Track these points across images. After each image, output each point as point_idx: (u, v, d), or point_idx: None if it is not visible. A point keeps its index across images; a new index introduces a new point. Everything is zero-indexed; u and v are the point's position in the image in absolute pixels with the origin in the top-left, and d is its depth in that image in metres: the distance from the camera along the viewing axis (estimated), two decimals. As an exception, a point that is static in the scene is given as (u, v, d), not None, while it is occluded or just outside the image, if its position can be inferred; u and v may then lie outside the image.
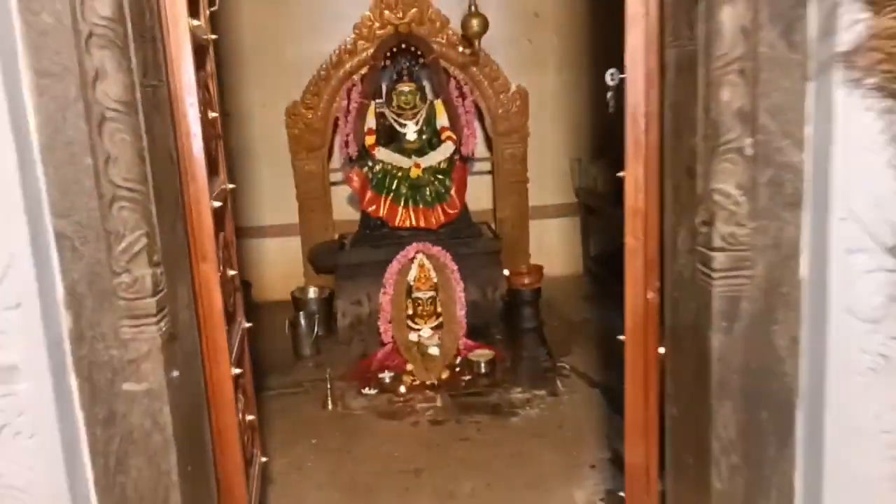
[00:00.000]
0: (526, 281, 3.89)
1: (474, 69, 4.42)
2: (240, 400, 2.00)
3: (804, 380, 1.59)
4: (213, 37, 2.06)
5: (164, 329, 1.54)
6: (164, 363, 1.54)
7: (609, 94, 2.03)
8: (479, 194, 4.70)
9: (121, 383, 1.52)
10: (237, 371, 1.94)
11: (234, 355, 1.92)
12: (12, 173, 1.36)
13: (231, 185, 2.17)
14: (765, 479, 1.65)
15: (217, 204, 1.88)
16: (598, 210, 4.61)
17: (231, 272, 2.09)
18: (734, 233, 1.54)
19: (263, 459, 2.37)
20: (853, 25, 1.36)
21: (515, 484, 2.71)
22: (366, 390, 3.52)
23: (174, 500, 1.59)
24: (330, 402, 3.43)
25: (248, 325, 2.21)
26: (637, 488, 2.05)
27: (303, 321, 3.97)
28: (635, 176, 1.87)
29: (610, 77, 2.00)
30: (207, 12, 1.98)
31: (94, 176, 1.44)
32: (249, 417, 2.17)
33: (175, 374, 1.58)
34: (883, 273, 1.46)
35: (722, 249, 1.56)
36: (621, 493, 2.13)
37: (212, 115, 2.02)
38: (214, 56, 2.07)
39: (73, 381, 1.50)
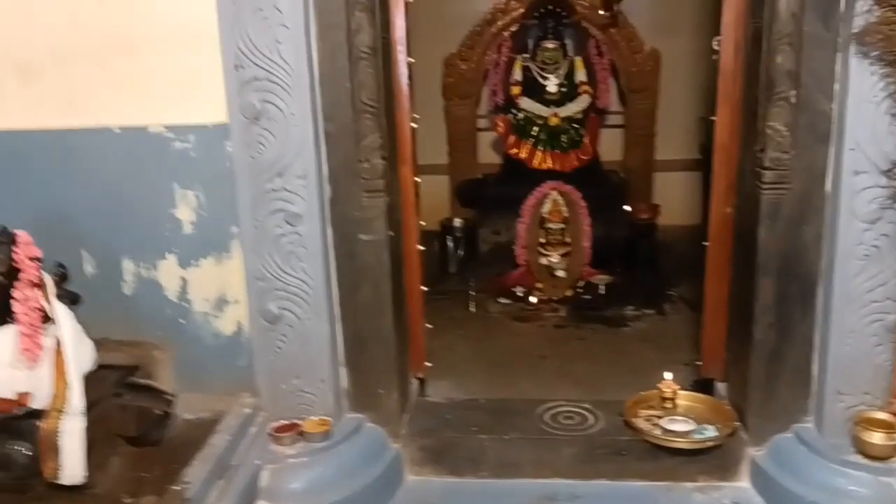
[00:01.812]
0: (644, 216, 4.67)
1: (612, 30, 5.16)
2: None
3: (823, 263, 2.35)
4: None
5: (386, 201, 2.47)
6: (385, 224, 2.48)
7: (714, 57, 2.78)
8: (610, 145, 5.44)
9: (358, 233, 2.47)
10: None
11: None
12: (306, 92, 2.31)
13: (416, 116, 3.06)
14: (791, 333, 2.44)
15: (414, 125, 2.79)
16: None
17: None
18: (779, 157, 2.31)
19: (428, 326, 3.28)
20: (864, 13, 2.10)
21: (620, 370, 3.51)
22: (501, 300, 4.42)
23: (387, 314, 2.55)
24: (473, 306, 4.35)
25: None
26: (709, 355, 2.86)
27: (450, 244, 4.90)
28: (722, 119, 2.65)
29: (716, 43, 2.75)
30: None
31: (350, 95, 2.37)
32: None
33: (391, 232, 2.51)
34: (878, 188, 2.20)
35: (770, 168, 2.33)
36: (698, 363, 2.94)
37: (409, 60, 2.91)
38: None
39: (329, 230, 2.45)
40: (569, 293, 4.44)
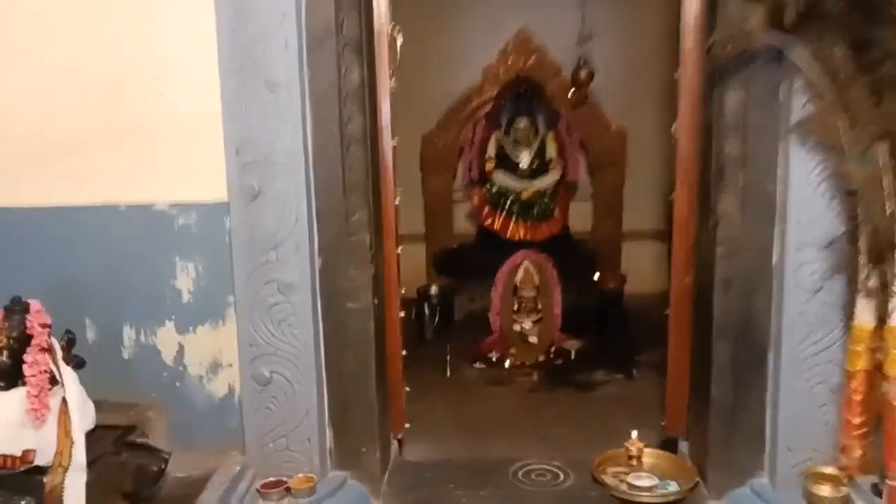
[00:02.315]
0: (611, 285, 4.92)
1: (581, 110, 5.50)
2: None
3: (773, 330, 2.58)
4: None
5: (373, 271, 2.69)
6: (371, 293, 2.69)
7: (672, 142, 3.05)
8: (580, 216, 5.73)
9: (346, 302, 2.68)
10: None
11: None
12: (301, 174, 2.53)
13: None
14: (746, 395, 2.65)
15: (397, 202, 3.02)
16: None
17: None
18: (730, 234, 2.57)
19: (407, 389, 3.46)
20: (801, 107, 2.38)
21: (590, 432, 3.67)
22: (476, 364, 4.61)
23: (370, 378, 2.74)
24: (449, 371, 4.53)
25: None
26: (672, 415, 3.07)
27: (426, 311, 5.11)
28: (681, 198, 2.91)
29: (673, 129, 3.02)
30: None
31: (342, 177, 2.60)
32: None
33: (376, 301, 2.72)
34: (819, 262, 2.45)
35: (723, 244, 2.58)
36: (663, 423, 3.15)
37: (393, 143, 3.15)
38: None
39: (319, 299, 2.66)
40: (541, 358, 4.64)
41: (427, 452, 3.34)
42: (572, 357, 4.62)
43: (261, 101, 2.47)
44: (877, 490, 2.41)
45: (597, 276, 5.01)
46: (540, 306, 4.78)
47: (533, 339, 4.72)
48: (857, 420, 2.47)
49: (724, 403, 2.70)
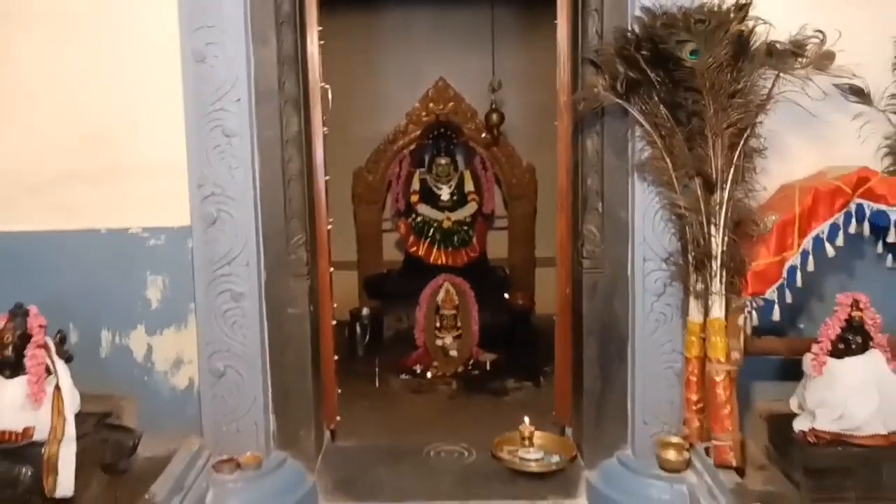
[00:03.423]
0: (520, 302, 5.65)
1: (494, 148, 6.25)
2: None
3: (630, 327, 3.31)
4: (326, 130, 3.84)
5: (309, 283, 3.34)
6: (307, 301, 3.34)
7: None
8: (496, 244, 6.44)
9: (286, 308, 3.32)
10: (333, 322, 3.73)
11: (331, 314, 3.72)
12: (250, 204, 3.18)
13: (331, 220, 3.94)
14: (611, 382, 3.37)
15: (329, 227, 3.69)
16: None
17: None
18: (593, 250, 3.30)
19: (339, 391, 4.08)
20: (639, 151, 3.13)
21: (499, 428, 4.32)
22: (402, 376, 5.25)
23: (307, 373, 3.38)
24: (377, 382, 5.16)
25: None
26: (560, 405, 3.77)
27: (358, 330, 5.75)
28: (560, 224, 3.64)
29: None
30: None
31: (283, 206, 3.26)
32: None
33: (311, 308, 3.37)
34: (661, 271, 3.19)
35: (587, 258, 3.31)
36: (553, 412, 3.85)
37: (326, 178, 3.81)
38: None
39: (264, 305, 3.29)
40: (460, 369, 5.29)
41: (355, 441, 3.96)
42: (488, 368, 5.29)
43: (218, 146, 3.12)
44: (709, 452, 3.12)
45: (506, 295, 5.71)
46: (459, 324, 5.41)
47: (453, 353, 5.37)
48: (694, 397, 3.17)
49: (594, 390, 3.41)
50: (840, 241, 2.93)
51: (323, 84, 3.55)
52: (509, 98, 6.08)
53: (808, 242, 2.91)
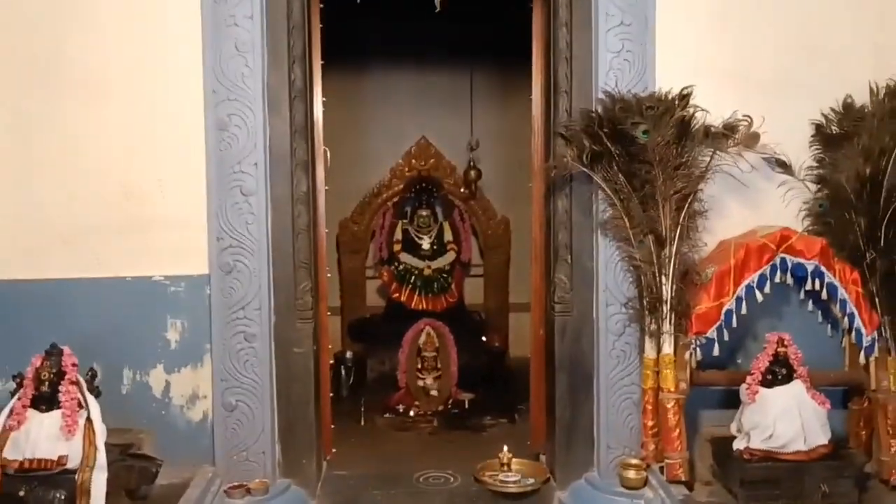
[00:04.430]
0: (495, 345, 6.16)
1: (472, 202, 6.83)
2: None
3: (595, 363, 3.82)
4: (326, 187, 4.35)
5: (313, 326, 3.83)
6: (313, 341, 3.82)
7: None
8: (473, 290, 6.98)
9: (293, 348, 3.80)
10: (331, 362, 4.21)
11: (329, 353, 4.20)
12: (263, 254, 3.68)
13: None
14: (580, 411, 3.87)
15: (328, 275, 4.19)
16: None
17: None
18: (563, 296, 3.82)
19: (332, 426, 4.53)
20: (603, 212, 3.68)
21: (479, 459, 4.81)
22: (386, 415, 5.70)
23: (310, 407, 3.84)
24: (363, 420, 5.62)
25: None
26: (535, 435, 4.27)
27: (343, 373, 6.21)
28: (535, 272, 4.18)
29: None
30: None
31: (292, 257, 3.75)
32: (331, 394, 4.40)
33: (314, 347, 3.85)
34: (621, 314, 3.72)
35: (558, 303, 3.84)
36: (528, 442, 4.33)
37: (326, 230, 4.30)
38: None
39: (273, 345, 3.77)
40: (440, 408, 5.75)
41: (349, 470, 4.40)
42: (466, 406, 5.76)
43: (237, 203, 3.62)
44: (663, 470, 3.64)
45: (482, 338, 6.22)
46: (439, 365, 5.88)
47: (434, 393, 5.83)
48: (650, 423, 3.68)
49: (564, 420, 3.90)
50: (767, 289, 3.51)
51: (325, 147, 4.08)
52: (486, 155, 6.67)
53: (741, 290, 3.48)
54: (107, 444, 3.36)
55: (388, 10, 3.75)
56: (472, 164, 6.47)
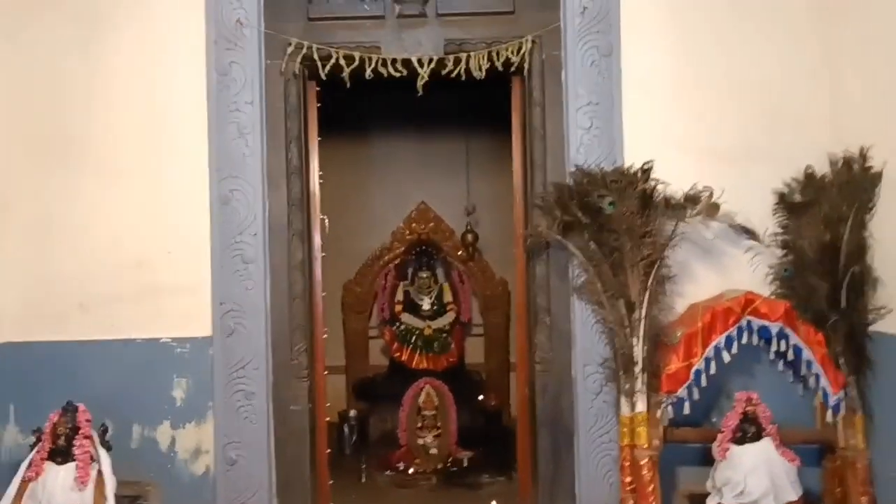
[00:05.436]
0: (493, 404, 6.46)
1: (471, 263, 7.21)
2: (326, 435, 4.57)
3: (575, 420, 4.12)
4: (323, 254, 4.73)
5: (308, 384, 4.17)
6: (307, 399, 4.16)
7: (521, 292, 4.67)
8: (474, 350, 7.32)
9: (290, 405, 4.13)
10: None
11: (325, 411, 4.53)
12: (262, 318, 4.04)
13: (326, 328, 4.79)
14: (561, 467, 4.15)
15: (325, 336, 4.54)
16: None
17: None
18: (544, 356, 4.14)
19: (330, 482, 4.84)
20: (577, 276, 4.02)
21: (475, 515, 5.13)
22: (387, 472, 6.00)
23: (306, 462, 4.16)
24: (364, 477, 5.91)
25: (330, 401, 4.80)
26: (522, 490, 4.55)
27: (346, 431, 6.52)
28: (518, 334, 4.51)
29: (522, 284, 4.65)
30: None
31: (288, 320, 4.12)
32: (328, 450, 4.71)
33: (310, 405, 4.19)
34: (598, 374, 4.02)
35: (539, 363, 4.16)
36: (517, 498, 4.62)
37: (323, 295, 4.67)
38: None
39: (271, 403, 4.11)
40: (440, 466, 6.06)
41: (346, 525, 4.72)
42: (465, 464, 6.05)
43: (237, 271, 4.01)
44: (642, 525, 3.90)
45: (481, 397, 6.53)
46: (439, 423, 6.21)
47: (433, 451, 6.14)
48: (627, 479, 3.90)
49: (546, 475, 4.18)
50: (735, 349, 3.78)
51: (322, 217, 4.47)
52: (484, 218, 7.08)
53: (709, 351, 3.76)
54: (117, 496, 3.73)
55: (387, 83, 4.14)
56: (469, 227, 6.86)
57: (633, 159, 3.90)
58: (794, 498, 3.66)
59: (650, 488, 3.79)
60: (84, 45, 4.11)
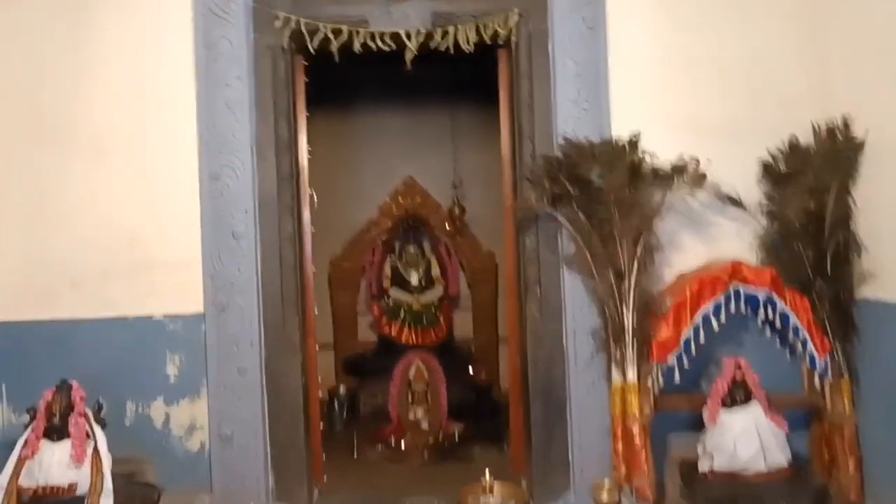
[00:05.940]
0: (482, 377, 6.55)
1: (458, 237, 7.28)
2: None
3: (567, 392, 4.22)
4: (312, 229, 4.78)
5: (301, 359, 4.24)
6: (300, 374, 4.24)
7: (511, 265, 4.75)
8: (462, 324, 7.39)
9: (283, 378, 4.20)
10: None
11: (318, 386, 4.61)
12: (254, 292, 4.10)
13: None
14: (554, 438, 4.25)
15: (316, 312, 4.61)
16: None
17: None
18: (535, 328, 4.23)
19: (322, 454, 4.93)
20: (567, 247, 4.09)
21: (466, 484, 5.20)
22: (378, 447, 6.08)
23: (300, 436, 4.24)
24: (355, 453, 5.99)
25: (321, 376, 4.88)
26: (515, 460, 4.65)
27: (336, 407, 6.60)
28: (510, 306, 4.59)
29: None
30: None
31: (280, 294, 4.18)
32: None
33: (303, 379, 4.26)
34: (589, 344, 4.13)
35: (531, 335, 4.24)
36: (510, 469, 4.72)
37: (312, 269, 4.73)
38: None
39: (265, 378, 4.17)
40: (431, 440, 6.12)
41: (340, 498, 4.79)
42: (456, 438, 6.13)
43: (228, 246, 4.07)
44: (632, 491, 4.01)
45: (470, 371, 6.62)
46: (429, 397, 6.29)
47: (424, 425, 6.21)
48: (619, 447, 4.03)
49: (540, 446, 4.29)
50: (723, 318, 3.88)
51: (310, 191, 4.53)
52: (471, 192, 7.15)
53: (698, 319, 3.86)
54: (112, 473, 3.76)
55: (375, 57, 4.18)
56: (455, 200, 6.92)
57: (620, 131, 3.98)
58: (784, 462, 3.78)
59: (642, 455, 3.91)
60: (71, 22, 4.13)
